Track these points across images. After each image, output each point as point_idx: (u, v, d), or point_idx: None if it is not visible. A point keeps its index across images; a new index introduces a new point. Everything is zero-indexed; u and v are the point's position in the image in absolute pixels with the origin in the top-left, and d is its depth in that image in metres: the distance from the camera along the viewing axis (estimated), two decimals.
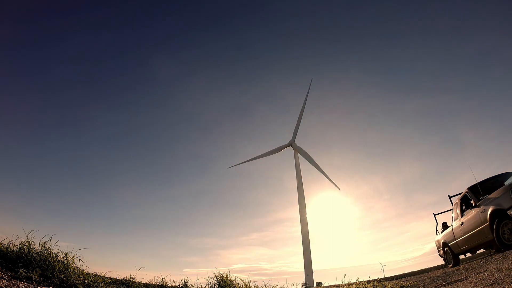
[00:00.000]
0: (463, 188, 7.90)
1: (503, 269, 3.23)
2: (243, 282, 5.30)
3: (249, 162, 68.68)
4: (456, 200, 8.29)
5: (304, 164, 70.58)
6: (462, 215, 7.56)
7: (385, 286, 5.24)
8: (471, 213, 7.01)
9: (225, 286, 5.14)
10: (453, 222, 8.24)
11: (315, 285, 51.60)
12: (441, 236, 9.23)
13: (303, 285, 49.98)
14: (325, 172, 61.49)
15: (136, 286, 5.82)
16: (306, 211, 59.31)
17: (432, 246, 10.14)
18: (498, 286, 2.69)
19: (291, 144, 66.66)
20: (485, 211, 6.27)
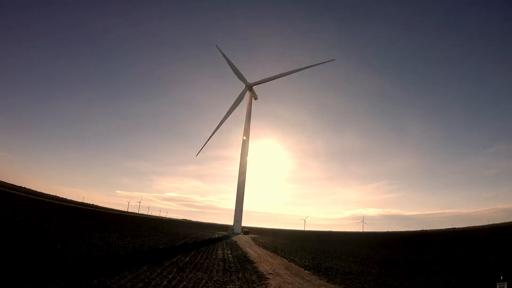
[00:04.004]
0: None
1: None
2: None
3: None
4: None
5: (259, 106, 66.95)
6: None
7: None
8: None
9: None
10: None
11: (242, 233, 52.26)
12: None
13: (230, 231, 49.92)
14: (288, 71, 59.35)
15: None
16: (246, 161, 57.35)
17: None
18: None
19: (248, 86, 61.01)
20: None
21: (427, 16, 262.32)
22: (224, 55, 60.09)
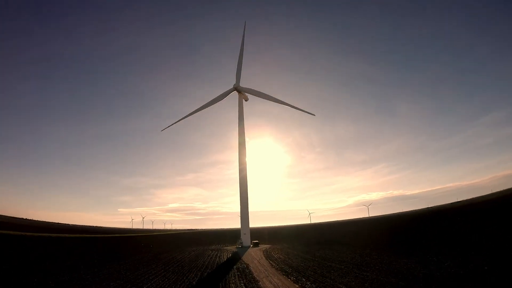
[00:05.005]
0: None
1: None
2: None
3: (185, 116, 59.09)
4: None
5: (250, 106, 64.34)
6: None
7: None
8: None
9: None
10: None
11: (251, 245, 48.87)
12: None
13: (239, 245, 46.48)
14: (290, 103, 58.73)
15: None
16: (246, 164, 53.80)
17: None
18: None
19: (236, 87, 57.64)
20: None
21: None
22: (243, 36, 57.47)
